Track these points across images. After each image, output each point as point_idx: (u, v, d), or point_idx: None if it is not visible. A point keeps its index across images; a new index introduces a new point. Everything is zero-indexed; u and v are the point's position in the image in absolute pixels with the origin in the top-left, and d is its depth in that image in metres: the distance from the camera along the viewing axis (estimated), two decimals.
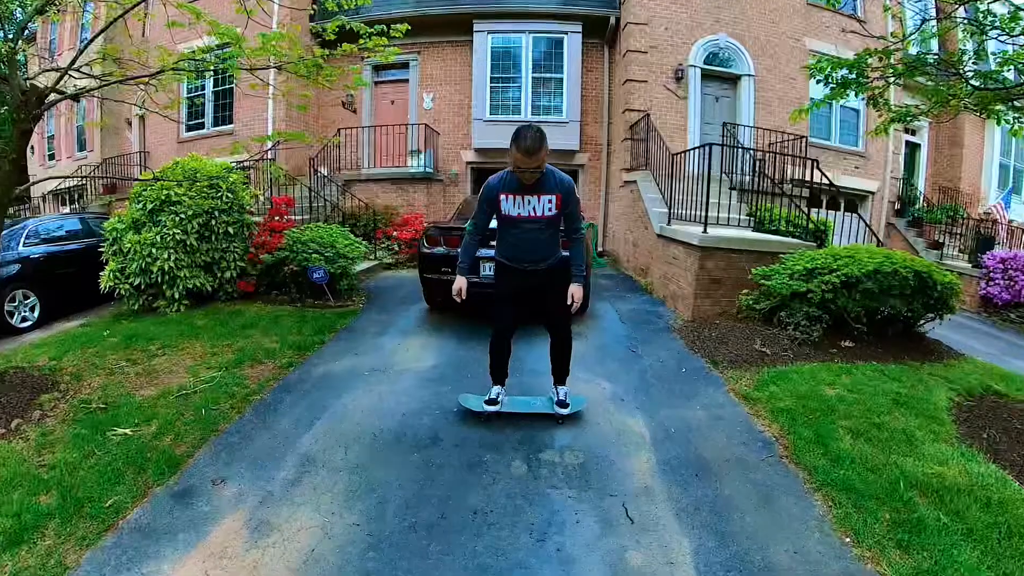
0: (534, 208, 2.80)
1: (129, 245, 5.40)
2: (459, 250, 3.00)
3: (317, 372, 3.89)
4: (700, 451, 2.83)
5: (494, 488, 2.49)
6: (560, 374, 3.19)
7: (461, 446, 2.84)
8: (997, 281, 7.81)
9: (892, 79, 4.59)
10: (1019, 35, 3.66)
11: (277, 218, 6.46)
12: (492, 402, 3.10)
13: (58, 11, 4.16)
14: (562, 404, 3.13)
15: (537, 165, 2.64)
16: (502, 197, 2.81)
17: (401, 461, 2.71)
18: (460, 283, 2.89)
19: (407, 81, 10.93)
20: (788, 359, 4.09)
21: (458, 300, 2.88)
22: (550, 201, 2.79)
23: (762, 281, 4.75)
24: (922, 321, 4.51)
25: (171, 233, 5.37)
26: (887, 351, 4.25)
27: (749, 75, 9.43)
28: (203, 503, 2.35)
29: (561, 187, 2.81)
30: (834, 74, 4.47)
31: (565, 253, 2.96)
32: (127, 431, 2.92)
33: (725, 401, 3.46)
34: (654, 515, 2.31)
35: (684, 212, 6.14)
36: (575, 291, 2.85)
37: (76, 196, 13.44)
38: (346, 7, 4.43)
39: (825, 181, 6.08)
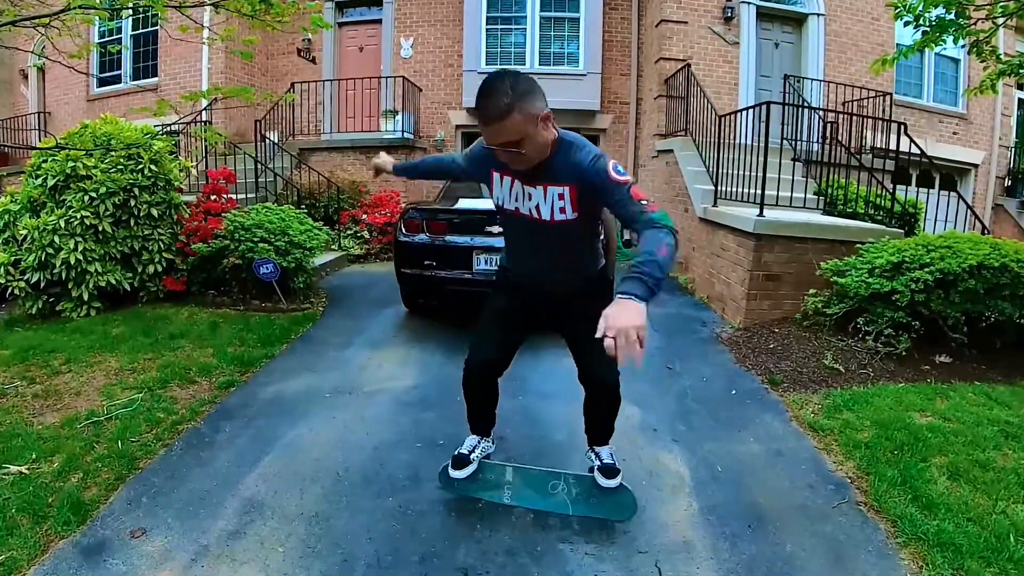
0: (537, 207, 2.16)
1: (25, 231, 5.40)
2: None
3: (265, 394, 3.90)
4: (754, 496, 2.83)
5: (491, 541, 2.48)
6: (600, 434, 2.71)
7: (449, 488, 2.83)
8: None
9: (1002, 19, 4.58)
10: None
11: (214, 197, 6.46)
12: (460, 462, 2.67)
13: None
14: (609, 471, 2.64)
15: (506, 141, 1.95)
16: (495, 175, 2.27)
17: (372, 507, 2.70)
18: (383, 157, 2.98)
19: (379, 22, 10.94)
20: (867, 378, 4.09)
21: (376, 169, 2.98)
22: (560, 196, 2.11)
23: (834, 278, 4.75)
24: None
25: (78, 216, 5.37)
26: (993, 368, 4.25)
27: (818, 14, 9.42)
28: (119, 561, 2.35)
29: (579, 172, 2.04)
30: (927, 13, 4.47)
31: (603, 261, 2.51)
32: (22, 469, 2.91)
33: (786, 432, 3.46)
34: None
35: (734, 190, 6.14)
36: (610, 311, 1.67)
37: None
38: None
39: (915, 150, 6.07)
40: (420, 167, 3.01)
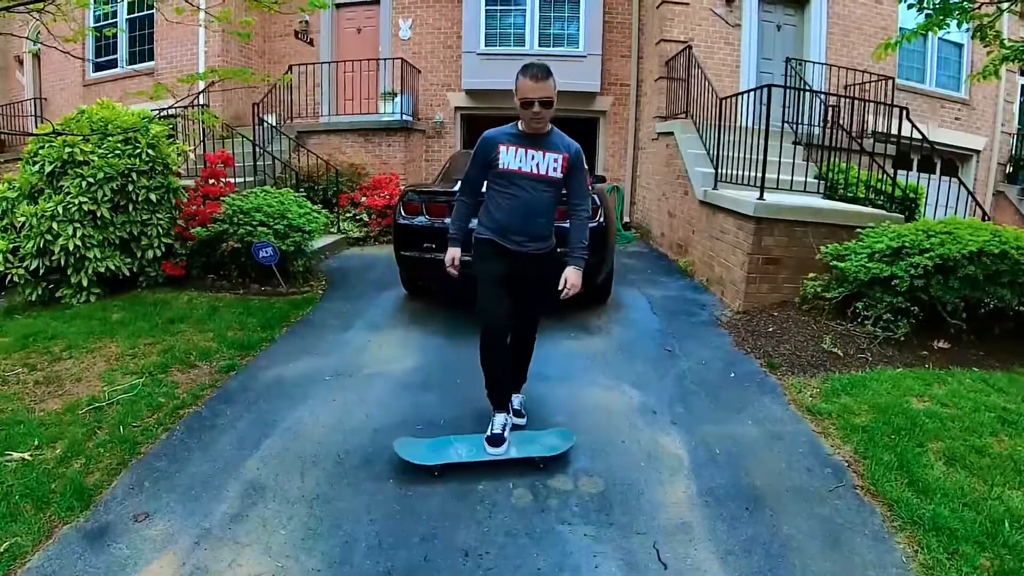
0: (538, 164, 2.93)
1: (23, 218, 5.38)
2: (449, 219, 3.17)
3: (265, 377, 3.91)
4: (752, 478, 2.85)
5: (490, 523, 2.51)
6: (516, 381, 3.34)
7: (449, 470, 2.86)
8: None
9: (1006, 4, 4.53)
10: None
11: (212, 181, 6.43)
12: (496, 441, 2.90)
13: None
14: (518, 414, 3.28)
15: (547, 96, 2.78)
16: (502, 148, 2.92)
17: (373, 489, 2.72)
18: (453, 253, 3.12)
19: (377, 4, 10.82)
20: (865, 362, 4.11)
21: (454, 273, 3.11)
22: (556, 160, 2.95)
23: (834, 263, 4.75)
24: None
25: (76, 202, 5.35)
26: (991, 355, 4.26)
27: None
28: (122, 545, 2.37)
29: (569, 148, 2.99)
30: None
31: (556, 248, 3.12)
32: (25, 455, 2.92)
33: (785, 415, 3.48)
34: (693, 559, 2.33)
35: (734, 173, 6.11)
36: (571, 275, 2.96)
37: None
38: None
39: (916, 135, 6.03)
40: (469, 209, 3.15)
